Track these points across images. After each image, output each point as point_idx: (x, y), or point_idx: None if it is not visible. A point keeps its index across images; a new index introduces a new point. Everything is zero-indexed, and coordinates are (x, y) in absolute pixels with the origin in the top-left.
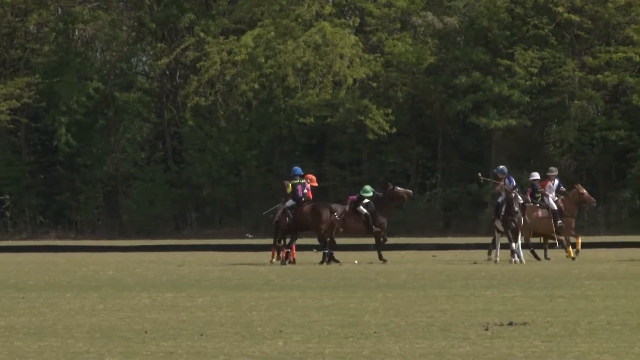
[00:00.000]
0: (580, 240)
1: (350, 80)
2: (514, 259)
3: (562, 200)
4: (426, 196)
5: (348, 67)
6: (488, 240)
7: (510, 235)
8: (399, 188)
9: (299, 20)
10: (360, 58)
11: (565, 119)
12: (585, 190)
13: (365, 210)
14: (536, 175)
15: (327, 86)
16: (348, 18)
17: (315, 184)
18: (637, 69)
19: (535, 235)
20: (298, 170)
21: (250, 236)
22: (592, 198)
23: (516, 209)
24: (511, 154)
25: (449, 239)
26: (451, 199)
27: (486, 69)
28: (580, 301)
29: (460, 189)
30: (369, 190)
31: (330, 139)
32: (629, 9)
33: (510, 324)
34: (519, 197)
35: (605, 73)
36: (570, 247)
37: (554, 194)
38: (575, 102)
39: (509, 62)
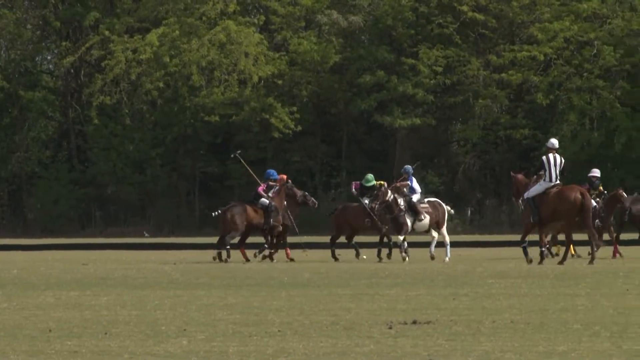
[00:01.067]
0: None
1: (255, 79)
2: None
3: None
4: (331, 195)
5: (253, 65)
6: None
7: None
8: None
9: (204, 18)
10: (265, 56)
11: (470, 117)
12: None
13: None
14: (596, 172)
15: (232, 84)
16: (253, 16)
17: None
18: (541, 68)
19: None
20: (271, 173)
21: (147, 235)
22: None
23: (401, 207)
24: (415, 152)
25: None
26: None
27: (391, 67)
28: (484, 300)
29: None
30: (370, 180)
31: (235, 138)
32: (533, 7)
33: (414, 322)
34: (412, 197)
35: (510, 72)
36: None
37: None
38: (480, 100)
39: (413, 61)
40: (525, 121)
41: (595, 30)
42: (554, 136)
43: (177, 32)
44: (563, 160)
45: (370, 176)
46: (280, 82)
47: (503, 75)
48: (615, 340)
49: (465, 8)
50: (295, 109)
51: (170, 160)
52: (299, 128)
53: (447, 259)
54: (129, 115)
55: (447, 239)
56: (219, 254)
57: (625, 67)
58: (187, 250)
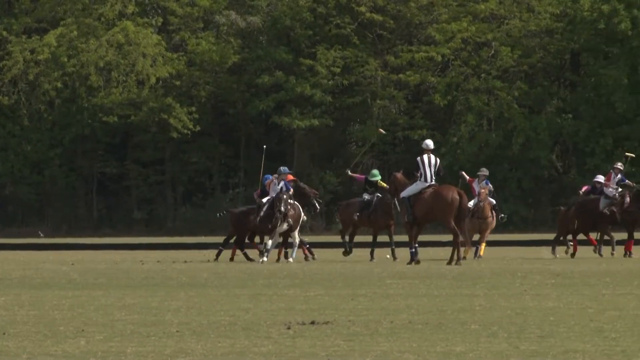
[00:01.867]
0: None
1: (153, 79)
2: (262, 259)
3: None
4: (229, 195)
5: (151, 66)
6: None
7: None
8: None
9: (102, 19)
10: (163, 57)
11: (368, 118)
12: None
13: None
14: (600, 178)
15: (130, 85)
16: (151, 17)
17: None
18: (438, 69)
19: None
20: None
21: (42, 235)
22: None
23: (282, 208)
24: (314, 153)
25: None
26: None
27: (289, 68)
28: (382, 300)
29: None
30: (376, 175)
31: (134, 138)
32: (431, 8)
33: (313, 322)
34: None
35: (407, 72)
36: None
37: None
38: (378, 101)
39: (311, 62)
40: (423, 122)
41: (492, 31)
42: (452, 137)
43: (75, 32)
44: (439, 161)
45: (375, 171)
46: (178, 82)
47: (401, 76)
48: (512, 340)
49: (363, 9)
50: (193, 109)
51: (68, 161)
52: (198, 128)
53: (291, 259)
54: (27, 116)
55: (297, 240)
56: (246, 255)
57: (522, 68)
58: (85, 250)
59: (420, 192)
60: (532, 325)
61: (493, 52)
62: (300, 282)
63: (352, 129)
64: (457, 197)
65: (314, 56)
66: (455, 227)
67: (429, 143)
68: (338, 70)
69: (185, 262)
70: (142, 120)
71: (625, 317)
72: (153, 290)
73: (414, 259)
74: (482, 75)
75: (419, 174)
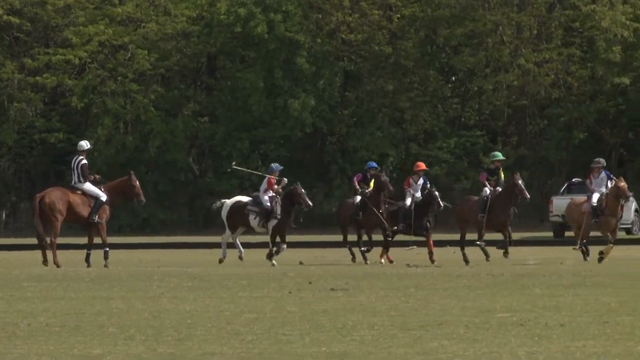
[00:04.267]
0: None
1: None
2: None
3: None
4: None
5: None
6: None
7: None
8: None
9: None
10: None
11: (5, 121)
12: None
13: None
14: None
15: None
16: None
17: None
18: (75, 71)
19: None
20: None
21: None
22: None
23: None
24: None
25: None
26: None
27: None
28: (19, 303)
29: None
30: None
31: None
32: (68, 11)
33: None
34: None
35: (44, 75)
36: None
37: (603, 188)
38: (15, 104)
39: None
40: (60, 125)
41: (129, 34)
42: (89, 139)
43: None
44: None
45: (373, 163)
46: None
47: (38, 78)
48: (150, 343)
49: (0, 11)
50: None
51: None
52: None
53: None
54: None
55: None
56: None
57: (159, 71)
58: None
59: None
60: (170, 328)
61: (130, 55)
62: None
63: None
64: None
65: None
66: None
67: (83, 144)
68: None
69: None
70: None
71: (261, 320)
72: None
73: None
74: (119, 78)
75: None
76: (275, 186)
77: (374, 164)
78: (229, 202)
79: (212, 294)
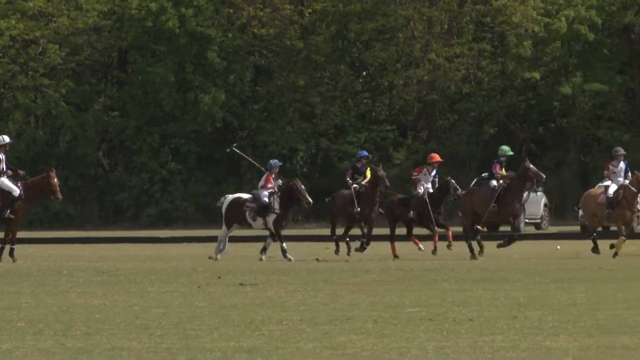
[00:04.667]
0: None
1: None
2: None
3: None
4: None
5: None
6: None
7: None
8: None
9: None
10: None
11: None
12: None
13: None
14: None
15: None
16: None
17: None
18: None
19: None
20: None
21: None
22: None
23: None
24: None
25: None
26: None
27: None
28: None
29: None
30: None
31: None
32: None
33: None
34: None
35: None
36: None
37: (620, 179)
38: None
39: None
40: None
41: (41, 29)
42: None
43: None
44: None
45: (363, 152)
46: None
47: None
48: (58, 338)
49: None
50: None
51: None
52: None
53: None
54: None
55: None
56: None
57: (70, 66)
58: None
59: None
60: (79, 323)
61: (41, 49)
62: None
63: None
64: None
65: None
66: None
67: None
68: None
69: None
70: None
71: (170, 315)
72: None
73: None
74: (30, 72)
75: None
76: (273, 182)
77: (366, 153)
78: (230, 197)
79: (120, 288)
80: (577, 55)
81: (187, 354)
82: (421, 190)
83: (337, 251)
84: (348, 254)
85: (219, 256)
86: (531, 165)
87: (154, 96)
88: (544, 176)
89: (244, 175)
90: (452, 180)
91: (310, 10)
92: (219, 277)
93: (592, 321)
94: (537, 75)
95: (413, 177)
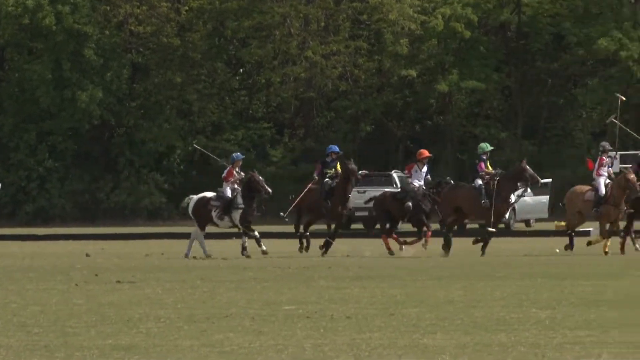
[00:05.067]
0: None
1: None
2: None
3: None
4: None
5: None
6: None
7: None
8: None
9: None
10: None
11: None
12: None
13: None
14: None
15: None
16: None
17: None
18: None
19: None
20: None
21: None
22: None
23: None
24: None
25: None
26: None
27: None
28: None
29: None
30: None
31: None
32: None
33: None
34: None
35: None
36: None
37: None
38: None
39: None
40: None
41: None
42: None
43: None
44: None
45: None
46: None
47: None
48: None
49: None
50: None
51: None
52: None
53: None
54: None
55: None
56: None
57: None
58: None
59: None
60: None
61: None
62: None
63: None
64: None
65: None
66: None
67: None
68: None
69: None
70: None
71: (47, 312)
72: None
73: None
74: None
75: None
76: (236, 175)
77: (336, 148)
78: (195, 197)
79: None
80: (454, 53)
81: (65, 352)
82: (416, 184)
83: (300, 249)
84: (306, 250)
85: (207, 249)
86: (528, 167)
87: (31, 93)
88: (540, 180)
89: (121, 172)
90: (451, 180)
91: (187, 8)
92: (97, 275)
93: (469, 319)
94: (413, 72)
95: (407, 175)
